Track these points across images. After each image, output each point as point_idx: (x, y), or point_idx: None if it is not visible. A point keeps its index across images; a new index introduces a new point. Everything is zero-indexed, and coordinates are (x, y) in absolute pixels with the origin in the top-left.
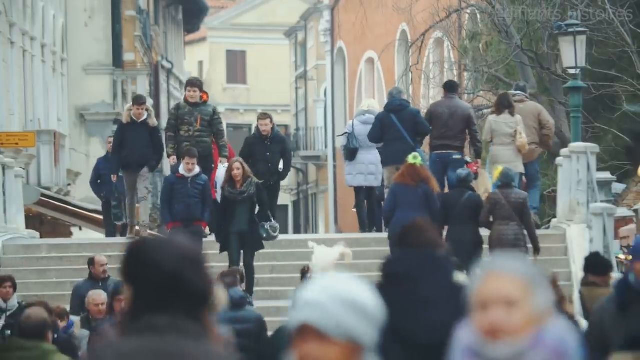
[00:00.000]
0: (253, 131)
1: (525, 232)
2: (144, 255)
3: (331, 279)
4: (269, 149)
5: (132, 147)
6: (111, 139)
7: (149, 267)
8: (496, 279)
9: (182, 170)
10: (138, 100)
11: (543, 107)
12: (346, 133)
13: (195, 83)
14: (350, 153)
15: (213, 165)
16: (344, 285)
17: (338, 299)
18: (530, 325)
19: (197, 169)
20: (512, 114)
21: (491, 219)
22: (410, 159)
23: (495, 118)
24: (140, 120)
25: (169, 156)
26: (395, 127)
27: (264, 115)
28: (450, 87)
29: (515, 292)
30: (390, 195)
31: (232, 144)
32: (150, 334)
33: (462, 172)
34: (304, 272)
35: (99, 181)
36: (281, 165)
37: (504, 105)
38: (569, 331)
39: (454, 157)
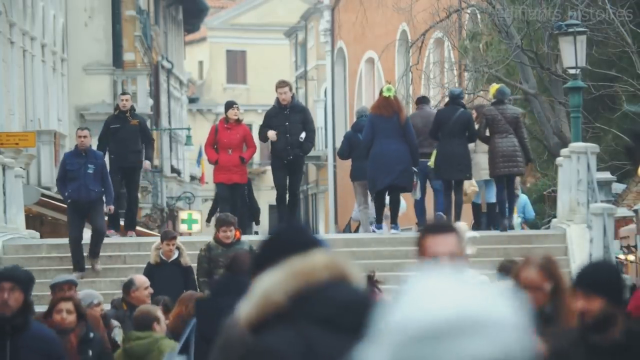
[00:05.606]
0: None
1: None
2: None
3: (455, 280)
4: (287, 119)
5: (162, 293)
6: (81, 132)
7: None
8: None
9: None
10: (168, 235)
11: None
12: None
13: (229, 221)
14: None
15: None
16: (491, 293)
17: (510, 317)
18: None
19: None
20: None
21: (487, 134)
22: (385, 91)
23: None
24: (170, 260)
25: None
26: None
27: (282, 83)
28: (422, 100)
29: None
30: (368, 125)
31: None
32: None
33: (455, 89)
34: (371, 278)
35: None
36: (302, 135)
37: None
38: None
39: (429, 163)
